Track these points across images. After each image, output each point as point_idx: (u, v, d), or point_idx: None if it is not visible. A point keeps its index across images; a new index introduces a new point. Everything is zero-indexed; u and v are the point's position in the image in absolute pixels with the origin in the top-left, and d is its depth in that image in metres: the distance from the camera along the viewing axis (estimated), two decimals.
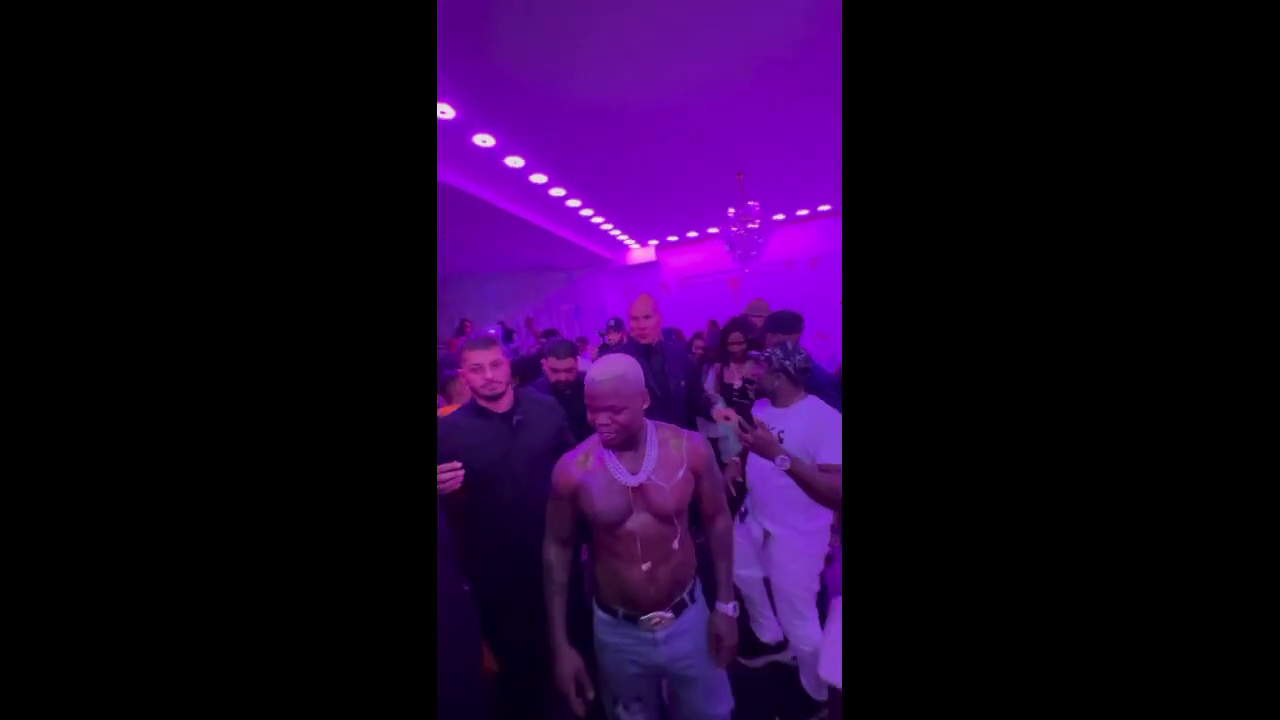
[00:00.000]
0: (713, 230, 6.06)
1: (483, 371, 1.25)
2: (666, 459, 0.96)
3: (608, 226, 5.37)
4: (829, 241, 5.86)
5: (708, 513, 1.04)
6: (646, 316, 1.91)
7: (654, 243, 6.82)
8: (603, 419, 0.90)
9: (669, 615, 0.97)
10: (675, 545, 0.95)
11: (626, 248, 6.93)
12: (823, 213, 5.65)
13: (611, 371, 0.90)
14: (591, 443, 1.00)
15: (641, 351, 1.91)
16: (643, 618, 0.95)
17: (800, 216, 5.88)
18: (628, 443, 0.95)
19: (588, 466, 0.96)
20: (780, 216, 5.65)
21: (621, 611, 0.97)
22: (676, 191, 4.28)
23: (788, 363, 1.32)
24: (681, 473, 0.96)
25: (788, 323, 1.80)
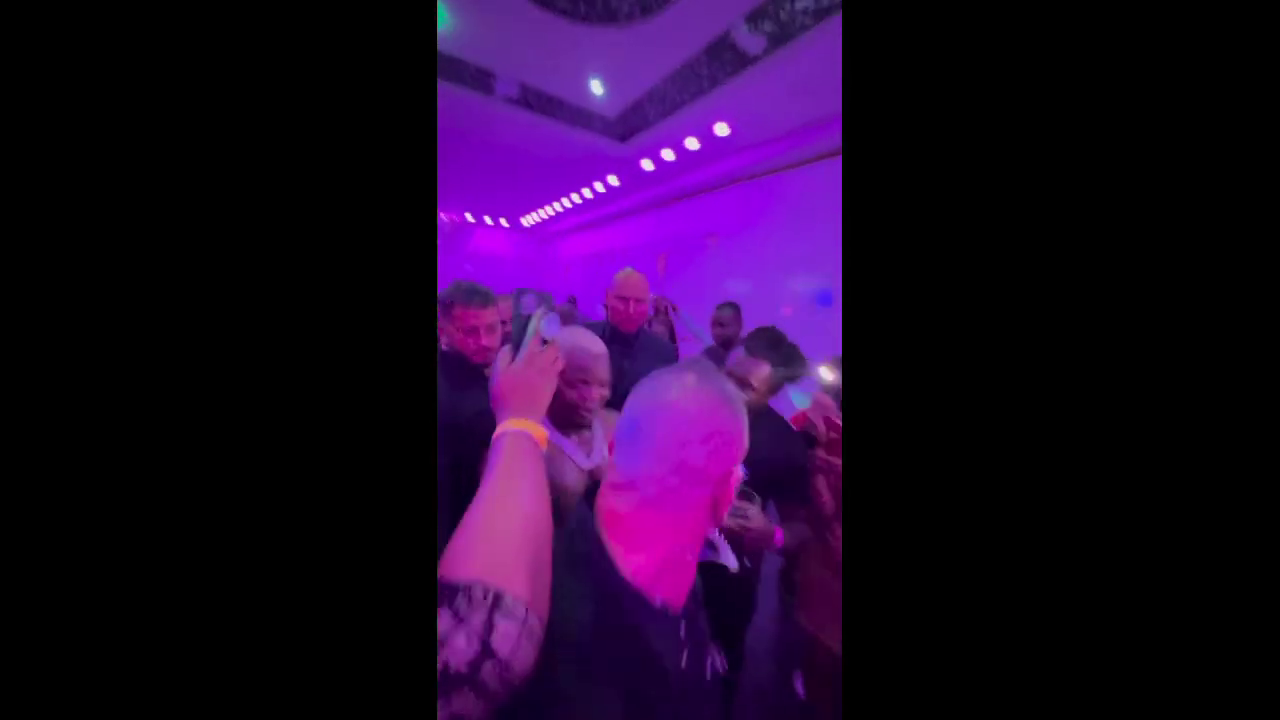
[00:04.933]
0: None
1: (478, 336, 1.06)
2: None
3: None
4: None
5: None
6: (639, 300, 1.51)
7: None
8: (595, 393, 0.89)
9: None
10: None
11: None
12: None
13: (591, 346, 0.89)
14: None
15: (621, 341, 1.53)
16: None
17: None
18: (579, 425, 0.93)
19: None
20: None
21: None
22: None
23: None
24: None
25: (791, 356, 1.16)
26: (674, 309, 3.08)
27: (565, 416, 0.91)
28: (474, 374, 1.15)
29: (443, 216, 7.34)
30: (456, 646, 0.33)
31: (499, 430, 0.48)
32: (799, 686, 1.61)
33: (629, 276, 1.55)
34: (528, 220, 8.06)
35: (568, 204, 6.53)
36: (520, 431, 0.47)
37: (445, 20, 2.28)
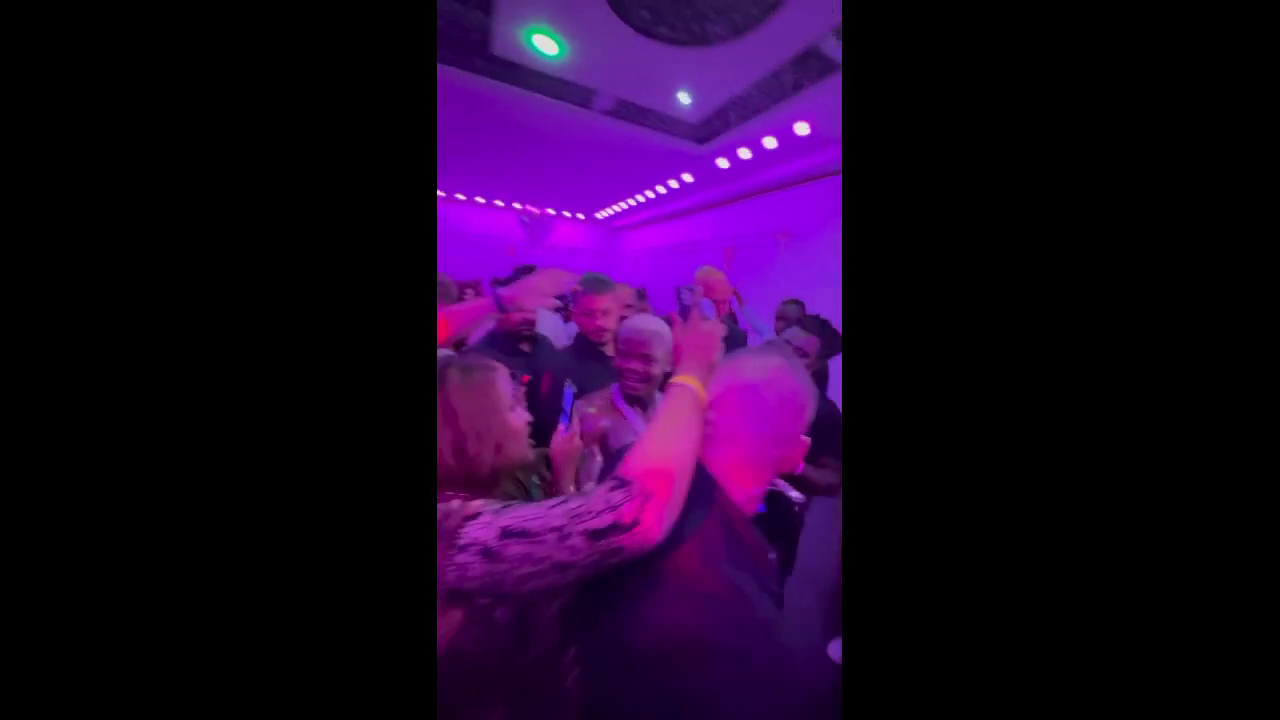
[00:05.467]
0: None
1: (595, 318, 1.31)
2: None
3: None
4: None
5: None
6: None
7: None
8: (655, 369, 1.09)
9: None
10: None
11: None
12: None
13: (652, 325, 1.11)
14: (601, 395, 1.17)
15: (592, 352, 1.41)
16: None
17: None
18: (643, 400, 1.14)
19: (607, 414, 1.13)
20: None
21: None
22: None
23: None
24: None
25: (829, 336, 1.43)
26: (740, 301, 3.28)
27: (628, 390, 1.15)
28: (593, 350, 1.43)
29: (530, 209, 7.98)
30: (604, 518, 0.45)
31: (672, 381, 0.61)
32: (833, 653, 1.83)
33: (710, 274, 1.74)
34: (602, 214, 8.55)
35: (641, 199, 6.87)
36: (684, 385, 0.60)
37: (563, 50, 2.66)
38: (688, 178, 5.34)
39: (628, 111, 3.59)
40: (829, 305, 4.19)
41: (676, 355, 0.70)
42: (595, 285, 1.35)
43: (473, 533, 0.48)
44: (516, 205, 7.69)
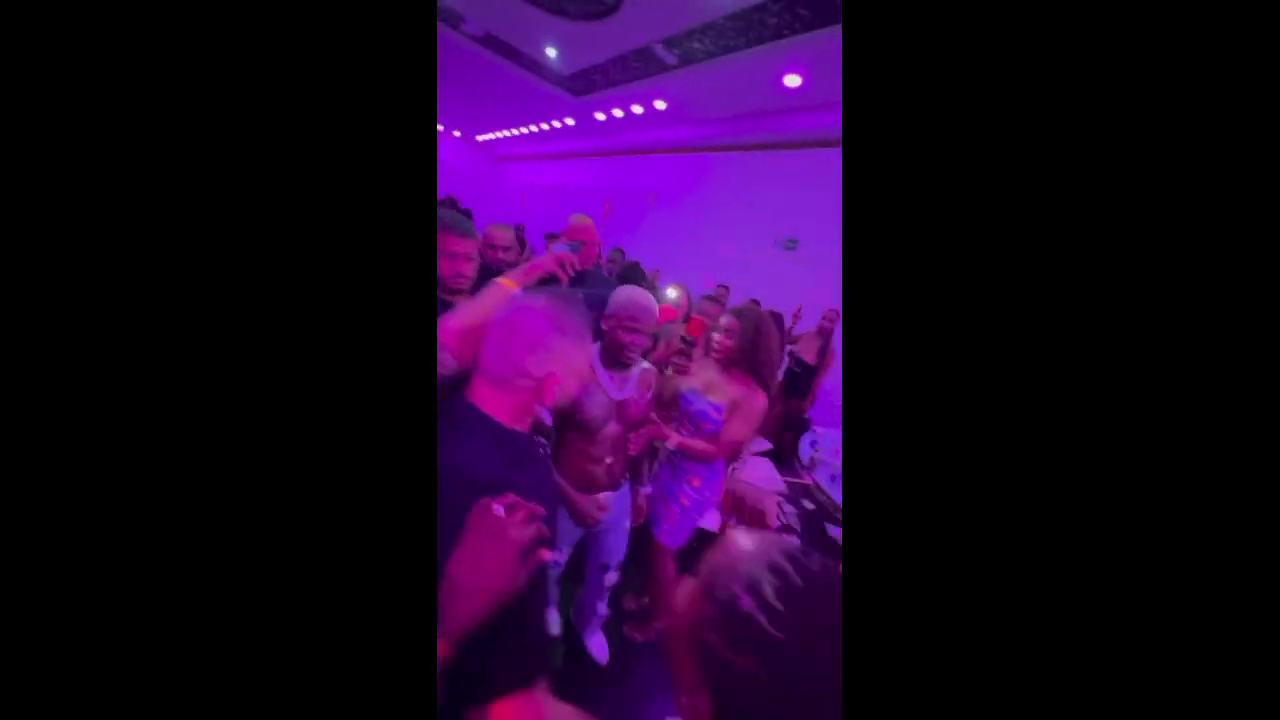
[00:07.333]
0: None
1: (456, 262, 1.13)
2: (645, 379, 1.25)
3: None
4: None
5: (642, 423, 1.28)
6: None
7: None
8: (641, 340, 1.11)
9: (612, 494, 1.24)
10: (631, 448, 1.24)
11: None
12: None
13: (640, 299, 1.12)
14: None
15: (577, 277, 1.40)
16: (595, 495, 1.20)
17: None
18: (623, 365, 1.18)
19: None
20: None
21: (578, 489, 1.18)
22: None
23: None
24: (650, 392, 1.26)
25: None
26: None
27: (613, 356, 1.18)
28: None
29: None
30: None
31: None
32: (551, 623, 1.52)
33: (580, 220, 1.66)
34: (482, 138, 8.13)
35: (522, 132, 6.77)
36: (499, 284, 0.76)
37: None
38: (570, 121, 5.50)
39: (498, 46, 3.67)
40: (689, 266, 5.01)
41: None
42: (454, 225, 1.16)
43: None
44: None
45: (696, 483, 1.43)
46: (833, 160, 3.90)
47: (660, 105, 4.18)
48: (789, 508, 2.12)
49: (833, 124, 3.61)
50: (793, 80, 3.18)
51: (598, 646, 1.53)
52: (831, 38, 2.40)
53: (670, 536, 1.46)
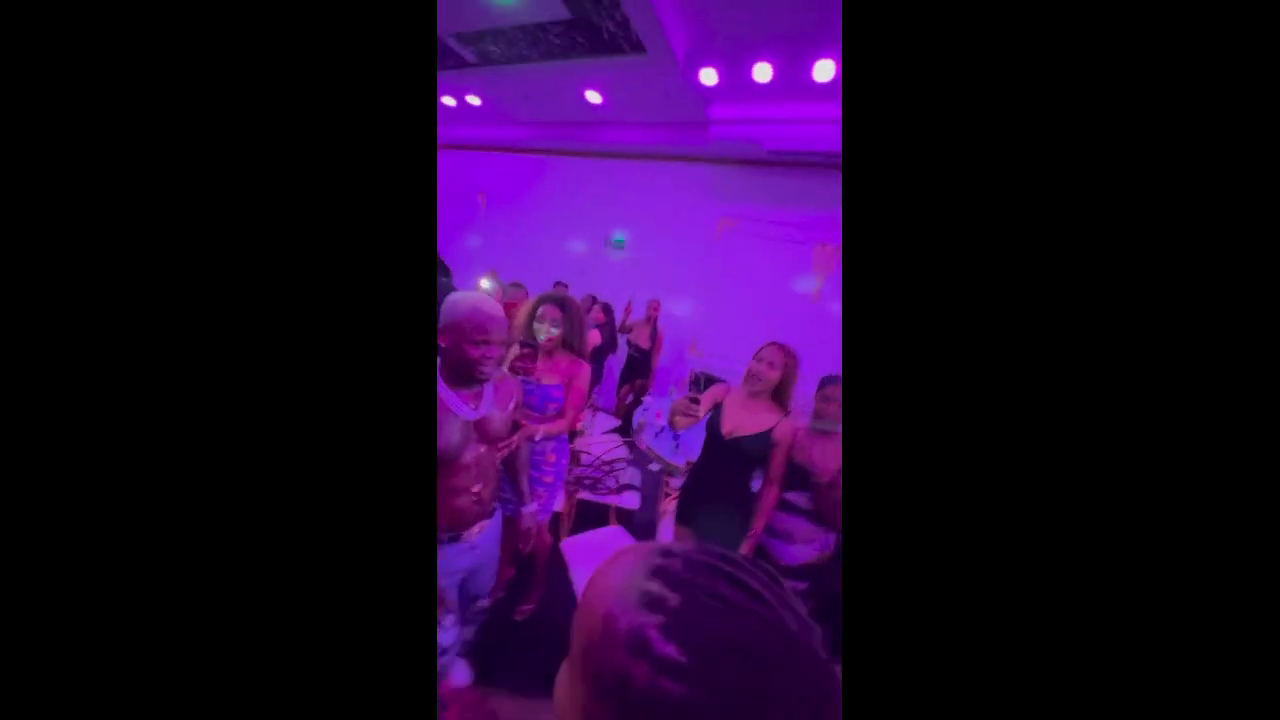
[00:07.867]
0: None
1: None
2: (505, 390, 1.07)
3: None
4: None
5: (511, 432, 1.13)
6: None
7: None
8: (493, 352, 0.95)
9: (486, 523, 1.06)
10: (499, 464, 1.07)
11: None
12: None
13: (500, 310, 0.98)
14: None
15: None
16: (465, 533, 1.02)
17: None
18: (476, 380, 0.99)
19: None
20: None
21: (448, 535, 1.00)
22: None
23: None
24: (513, 403, 1.08)
25: None
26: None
27: (462, 372, 0.97)
28: None
29: None
30: None
31: None
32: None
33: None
34: None
35: None
36: None
37: None
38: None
39: None
40: (530, 268, 4.98)
41: None
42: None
43: None
44: None
45: (553, 458, 1.56)
46: (649, 171, 4.35)
47: (474, 100, 4.10)
48: (632, 470, 2.33)
49: (640, 140, 4.00)
50: (594, 96, 3.45)
51: (459, 673, 1.48)
52: (626, 62, 2.65)
53: (543, 513, 1.57)
